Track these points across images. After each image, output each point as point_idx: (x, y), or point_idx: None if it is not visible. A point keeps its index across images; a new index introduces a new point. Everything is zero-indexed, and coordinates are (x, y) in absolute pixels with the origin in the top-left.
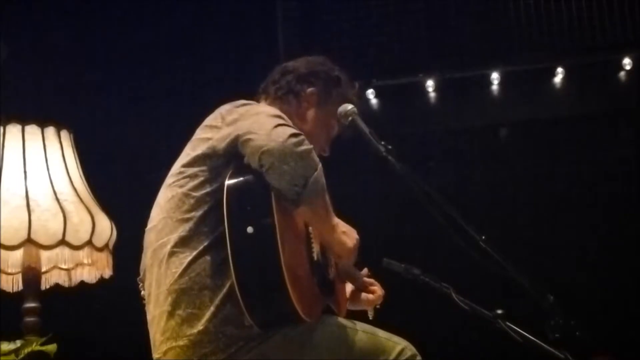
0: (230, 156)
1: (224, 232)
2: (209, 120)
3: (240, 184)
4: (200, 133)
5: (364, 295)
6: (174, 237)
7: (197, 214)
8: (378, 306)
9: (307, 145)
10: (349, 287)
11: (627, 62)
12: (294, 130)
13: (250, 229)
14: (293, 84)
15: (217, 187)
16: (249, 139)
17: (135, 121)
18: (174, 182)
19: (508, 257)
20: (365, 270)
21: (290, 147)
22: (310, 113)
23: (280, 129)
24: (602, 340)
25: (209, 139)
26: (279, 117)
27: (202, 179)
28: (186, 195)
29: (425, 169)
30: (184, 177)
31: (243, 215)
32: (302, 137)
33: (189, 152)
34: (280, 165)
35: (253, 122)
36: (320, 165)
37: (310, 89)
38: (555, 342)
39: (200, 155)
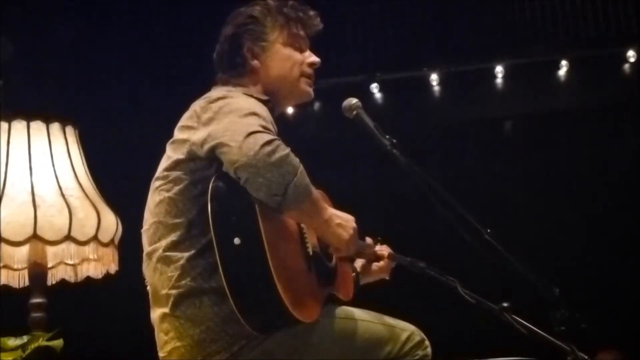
0: (212, 159)
1: (212, 240)
2: (185, 120)
3: (224, 193)
4: (178, 134)
5: (374, 265)
6: (165, 242)
7: (187, 218)
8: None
9: (281, 152)
10: (358, 263)
11: (631, 55)
12: (267, 137)
13: (237, 240)
14: (231, 59)
15: (202, 190)
16: (223, 152)
17: (140, 116)
18: (160, 186)
19: (513, 250)
20: (369, 240)
21: (263, 158)
22: (267, 64)
23: (252, 138)
24: (607, 334)
25: (186, 140)
26: (252, 114)
27: (186, 182)
28: (173, 199)
29: (429, 162)
30: (168, 182)
31: (229, 226)
32: (276, 143)
33: (170, 155)
34: (255, 179)
35: (226, 128)
36: (300, 168)
37: (245, 48)
38: (560, 334)
39: (181, 159)
